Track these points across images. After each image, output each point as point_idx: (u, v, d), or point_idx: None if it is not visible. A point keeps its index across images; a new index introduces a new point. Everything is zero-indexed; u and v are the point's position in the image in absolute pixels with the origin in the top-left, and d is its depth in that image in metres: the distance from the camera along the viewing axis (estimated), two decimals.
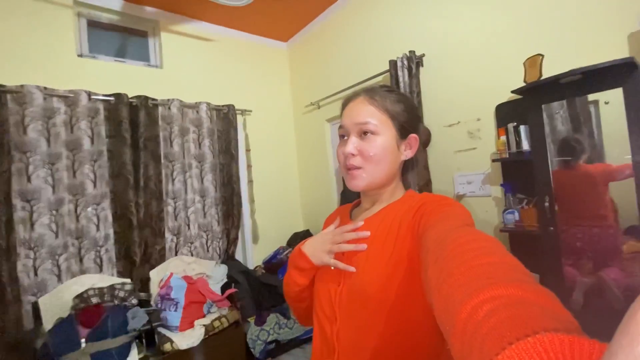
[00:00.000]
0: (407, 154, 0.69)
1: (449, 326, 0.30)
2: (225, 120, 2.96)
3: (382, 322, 0.57)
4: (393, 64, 2.25)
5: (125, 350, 1.86)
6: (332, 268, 0.66)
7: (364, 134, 0.65)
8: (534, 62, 1.55)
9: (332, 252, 0.66)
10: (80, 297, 1.99)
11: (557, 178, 1.57)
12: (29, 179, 2.09)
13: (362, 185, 0.66)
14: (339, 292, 0.64)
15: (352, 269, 0.62)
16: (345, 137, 0.68)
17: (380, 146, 0.64)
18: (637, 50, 1.37)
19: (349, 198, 2.76)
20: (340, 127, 0.69)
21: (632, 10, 1.38)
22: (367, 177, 0.65)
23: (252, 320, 2.42)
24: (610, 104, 1.43)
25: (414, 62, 2.18)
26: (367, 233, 0.63)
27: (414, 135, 0.69)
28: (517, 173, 1.81)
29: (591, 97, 1.49)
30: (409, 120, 0.68)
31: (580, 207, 1.59)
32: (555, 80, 1.43)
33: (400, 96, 0.70)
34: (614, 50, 1.43)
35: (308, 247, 0.69)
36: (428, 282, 0.40)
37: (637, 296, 0.17)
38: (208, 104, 2.88)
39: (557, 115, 1.59)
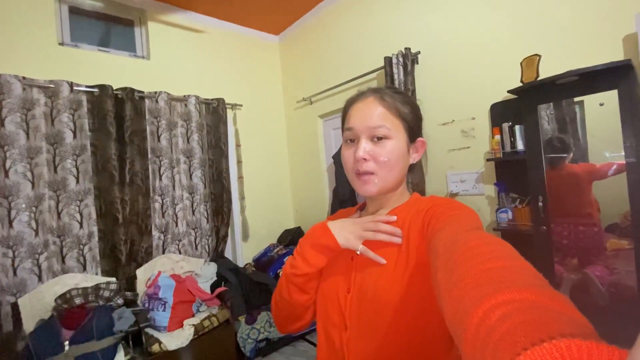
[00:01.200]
0: (415, 157, 0.67)
1: (460, 331, 0.28)
2: (215, 114, 2.89)
3: (396, 329, 0.56)
4: (388, 60, 2.23)
5: (111, 352, 1.80)
6: (358, 253, 0.61)
7: (377, 138, 0.61)
8: (531, 62, 1.55)
9: (362, 238, 0.61)
10: (63, 297, 1.92)
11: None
12: (6, 174, 1.98)
13: (375, 191, 0.63)
14: (349, 299, 0.61)
15: (383, 260, 0.58)
16: (354, 140, 0.64)
17: (394, 151, 0.61)
18: (632, 52, 1.39)
19: (341, 195, 2.74)
20: (348, 129, 0.65)
21: (628, 13, 1.39)
22: (380, 183, 0.62)
23: (242, 318, 2.38)
24: (603, 105, 1.45)
25: (410, 59, 2.16)
26: (400, 231, 0.60)
27: (421, 138, 0.68)
28: (511, 172, 1.82)
29: (578, 98, 1.52)
30: (416, 122, 0.67)
31: (566, 205, 1.62)
32: (551, 81, 1.44)
33: (407, 97, 0.67)
34: (609, 52, 1.44)
35: (335, 225, 0.63)
36: (438, 286, 0.39)
37: (622, 293, 0.15)
38: (197, 97, 2.79)
39: (543, 114, 1.62)
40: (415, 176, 2.08)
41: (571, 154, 1.59)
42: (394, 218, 0.62)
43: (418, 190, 2.13)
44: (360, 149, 0.61)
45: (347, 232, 0.62)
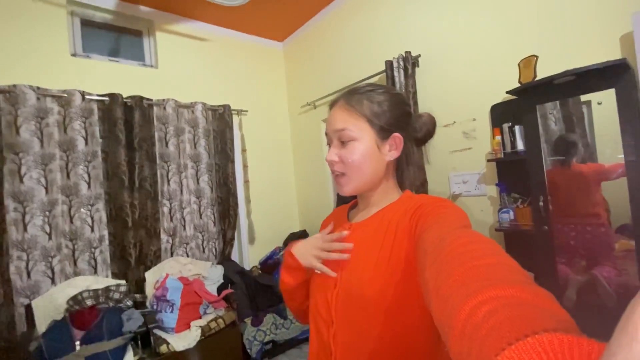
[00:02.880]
0: (393, 154, 0.67)
1: (448, 327, 0.30)
2: (221, 120, 2.95)
3: (379, 325, 0.57)
4: (389, 64, 2.26)
5: (120, 352, 1.84)
6: (317, 272, 0.68)
7: (343, 140, 0.65)
8: (529, 63, 1.57)
9: (319, 258, 0.67)
10: (75, 299, 1.97)
11: (551, 177, 1.59)
12: (21, 180, 2.06)
13: (349, 191, 0.67)
14: (336, 295, 0.64)
15: (334, 274, 0.65)
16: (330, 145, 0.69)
17: (359, 152, 0.64)
18: (629, 51, 1.39)
19: (345, 198, 2.77)
20: (325, 133, 0.70)
21: (625, 12, 1.40)
22: (352, 183, 0.66)
23: (248, 321, 2.41)
24: (602, 104, 1.46)
25: (410, 62, 2.19)
26: (350, 245, 0.65)
27: (397, 134, 0.66)
28: (512, 172, 1.82)
29: (584, 97, 1.51)
30: (392, 119, 0.66)
31: (573, 205, 1.61)
32: (549, 81, 1.45)
33: (384, 95, 0.67)
34: (606, 52, 1.45)
35: (298, 248, 0.71)
36: (426, 283, 0.40)
37: (630, 294, 0.17)
38: (204, 104, 2.86)
39: (550, 115, 1.61)
40: (415, 178, 2.10)
41: (579, 154, 1.58)
42: (346, 233, 0.67)
43: (420, 191, 2.14)
44: (330, 152, 0.67)
45: (307, 254, 0.69)
